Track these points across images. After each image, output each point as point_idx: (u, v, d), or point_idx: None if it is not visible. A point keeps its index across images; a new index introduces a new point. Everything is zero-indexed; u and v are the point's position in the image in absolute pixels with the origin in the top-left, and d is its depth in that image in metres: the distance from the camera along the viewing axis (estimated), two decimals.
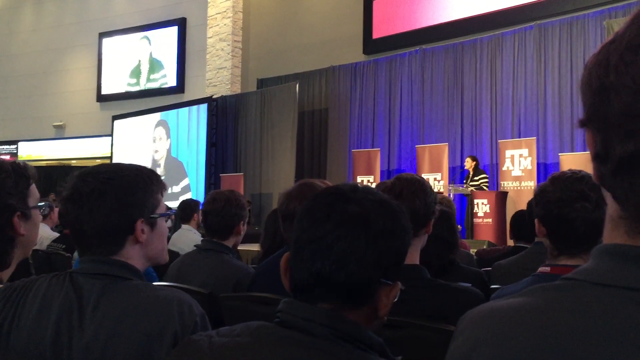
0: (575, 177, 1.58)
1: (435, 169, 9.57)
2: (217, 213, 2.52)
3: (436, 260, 2.53)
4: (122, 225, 1.27)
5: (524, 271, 1.90)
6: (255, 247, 7.91)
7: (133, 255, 1.30)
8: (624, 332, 0.52)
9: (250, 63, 13.66)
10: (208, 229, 2.58)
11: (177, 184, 13.28)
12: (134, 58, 15.75)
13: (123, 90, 15.92)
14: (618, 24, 7.82)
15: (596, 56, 0.58)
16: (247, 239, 9.05)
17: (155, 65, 15.38)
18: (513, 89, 9.62)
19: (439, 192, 8.38)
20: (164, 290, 1.26)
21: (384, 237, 0.92)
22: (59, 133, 16.90)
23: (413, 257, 1.77)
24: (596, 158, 0.58)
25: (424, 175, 9.61)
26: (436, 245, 2.63)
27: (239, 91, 13.34)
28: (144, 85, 15.60)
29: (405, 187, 1.78)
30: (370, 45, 11.77)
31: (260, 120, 12.35)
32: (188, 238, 4.44)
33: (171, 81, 14.95)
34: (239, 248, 5.64)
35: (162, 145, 13.96)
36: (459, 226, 3.33)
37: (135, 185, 1.29)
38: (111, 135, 15.29)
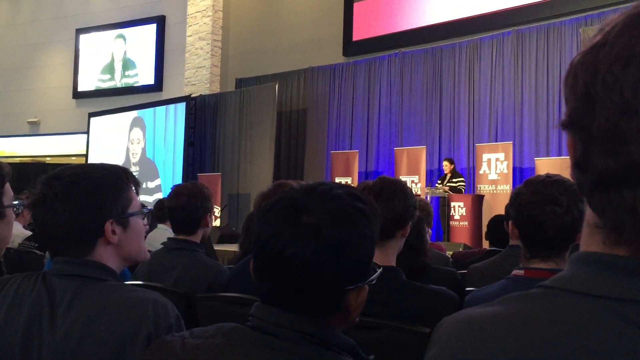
0: (548, 180, 1.60)
1: (413, 171, 9.63)
2: (182, 208, 2.44)
3: (403, 265, 2.55)
4: (89, 227, 1.26)
5: (499, 274, 1.92)
6: (232, 247, 7.88)
7: (106, 256, 1.28)
8: (602, 342, 0.52)
9: (229, 62, 13.60)
10: (175, 225, 2.51)
11: (151, 181, 13.21)
12: (109, 55, 15.58)
13: (100, 87, 15.73)
14: (593, 31, 7.94)
15: (584, 56, 0.55)
16: (225, 239, 9.04)
17: (128, 64, 15.22)
18: (491, 93, 9.72)
19: (416, 195, 8.44)
20: (139, 291, 1.25)
21: (341, 248, 0.90)
22: (34, 129, 16.63)
23: (389, 258, 1.78)
24: (576, 166, 0.56)
25: (402, 178, 9.67)
26: (402, 251, 2.64)
27: (217, 90, 13.27)
28: (118, 82, 15.43)
29: (386, 187, 1.80)
30: (350, 47, 11.80)
31: (238, 120, 12.30)
32: (164, 237, 4.39)
33: (148, 79, 14.80)
34: (216, 249, 5.62)
35: (139, 147, 13.83)
36: (429, 230, 3.35)
37: (101, 186, 1.27)
38: (87, 132, 15.09)
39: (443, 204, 8.65)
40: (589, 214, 0.59)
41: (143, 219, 1.38)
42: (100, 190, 1.26)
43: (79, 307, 1.18)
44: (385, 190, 1.78)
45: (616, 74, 0.51)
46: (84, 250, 1.26)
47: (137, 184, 1.37)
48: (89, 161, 14.90)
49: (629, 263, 0.54)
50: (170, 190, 2.62)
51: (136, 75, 15.07)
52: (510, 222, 1.68)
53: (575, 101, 0.55)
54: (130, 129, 14.06)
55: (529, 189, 1.61)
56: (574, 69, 0.56)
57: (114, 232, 1.28)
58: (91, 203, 1.25)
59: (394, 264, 1.80)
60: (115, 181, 1.30)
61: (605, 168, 0.53)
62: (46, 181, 1.26)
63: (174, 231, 2.54)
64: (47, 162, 16.82)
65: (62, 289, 1.21)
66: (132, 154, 13.96)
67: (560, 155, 8.61)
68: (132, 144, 14.01)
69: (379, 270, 0.97)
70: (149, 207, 1.44)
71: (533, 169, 8.56)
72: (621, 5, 8.28)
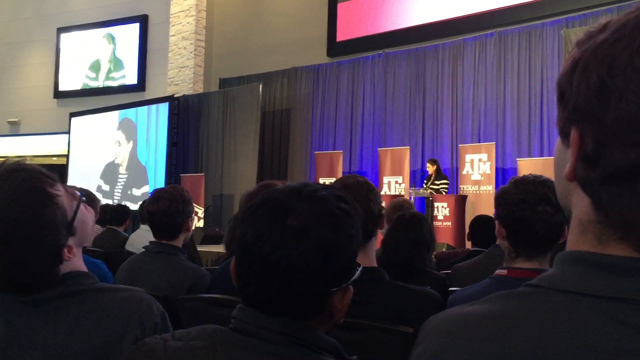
0: (538, 180, 1.61)
1: (397, 172, 9.66)
2: (163, 213, 2.39)
3: (420, 262, 2.59)
4: (44, 267, 1.15)
5: (483, 273, 1.92)
6: (215, 248, 7.84)
7: (71, 262, 1.22)
8: (588, 340, 0.51)
9: (213, 62, 13.54)
10: (156, 230, 2.46)
11: (138, 188, 13.08)
12: (94, 55, 15.42)
13: (81, 87, 15.57)
14: (575, 33, 8.04)
15: (594, 52, 0.55)
16: (208, 240, 8.99)
17: (117, 64, 15.08)
18: (473, 94, 9.78)
19: (400, 195, 8.48)
20: (123, 291, 1.23)
21: (328, 250, 0.89)
22: (14, 129, 16.42)
23: (370, 259, 1.77)
24: (584, 159, 0.56)
25: (385, 179, 9.70)
26: (419, 249, 2.67)
27: (201, 90, 13.20)
28: (102, 82, 15.28)
29: (357, 193, 1.76)
30: (334, 47, 11.81)
31: (222, 121, 12.25)
32: (147, 239, 4.35)
33: (132, 79, 14.69)
34: (199, 250, 5.59)
35: (122, 150, 13.68)
36: None
37: (44, 222, 1.12)
38: (68, 132, 14.94)
39: (427, 205, 8.69)
40: (581, 211, 0.59)
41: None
42: (44, 227, 1.13)
43: (62, 309, 1.15)
44: (359, 197, 1.75)
45: (637, 66, 0.52)
46: (48, 280, 1.17)
47: (56, 178, 1.23)
48: (71, 161, 14.73)
49: (618, 262, 0.54)
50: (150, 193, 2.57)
51: (123, 77, 14.93)
52: (497, 222, 1.69)
53: (588, 94, 0.55)
54: (118, 133, 13.90)
55: (519, 189, 1.61)
56: (584, 63, 0.56)
57: (69, 248, 1.20)
58: (39, 245, 1.13)
59: (375, 264, 1.80)
60: (48, 209, 1.14)
61: (624, 161, 0.52)
62: None
63: (154, 236, 2.50)
64: (27, 162, 16.58)
65: (40, 295, 1.17)
66: (117, 156, 13.81)
67: (542, 156, 8.69)
68: (117, 146, 13.85)
69: (359, 268, 0.96)
70: (81, 192, 1.32)
71: (515, 169, 8.63)
72: (601, 8, 8.39)
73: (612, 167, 0.53)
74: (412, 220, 2.80)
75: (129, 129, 13.60)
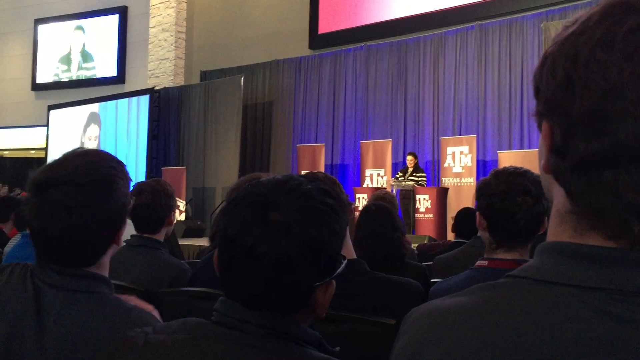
0: (518, 172, 1.63)
1: (379, 164, 9.68)
2: (146, 207, 2.35)
3: (402, 248, 2.62)
4: (108, 237, 1.18)
5: (464, 264, 1.94)
6: (197, 241, 7.81)
7: (105, 260, 1.21)
8: (568, 330, 0.52)
9: (194, 55, 13.43)
10: (137, 224, 2.42)
11: None
12: (66, 47, 15.22)
13: (59, 79, 15.36)
14: (555, 26, 8.11)
15: (561, 45, 0.56)
16: (190, 234, 8.92)
17: (86, 57, 14.89)
18: (455, 87, 9.83)
19: (381, 188, 8.50)
20: (137, 311, 1.19)
21: (312, 246, 0.88)
22: None
23: (348, 250, 1.78)
24: (554, 151, 0.57)
25: (367, 171, 9.73)
26: (398, 236, 2.70)
27: (182, 83, 13.09)
28: (75, 74, 15.08)
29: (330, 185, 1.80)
30: (316, 40, 11.78)
31: (203, 113, 12.18)
32: (127, 233, 4.31)
33: (110, 72, 14.51)
34: (181, 244, 5.57)
35: (95, 144, 13.58)
36: None
37: (116, 192, 1.17)
38: (47, 125, 14.74)
39: (405, 197, 8.66)
40: (559, 202, 0.59)
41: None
42: (116, 195, 1.17)
43: (69, 321, 1.11)
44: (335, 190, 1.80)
45: (599, 58, 0.53)
46: (92, 260, 1.18)
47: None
48: (50, 155, 14.53)
49: (595, 251, 0.54)
50: (132, 187, 2.54)
51: (94, 68, 14.77)
52: (478, 213, 1.70)
53: (555, 87, 0.56)
54: (87, 125, 13.78)
55: (499, 180, 1.63)
56: (552, 57, 0.57)
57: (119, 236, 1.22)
58: (110, 213, 1.17)
59: (354, 255, 1.81)
60: (124, 180, 1.20)
61: (588, 150, 0.53)
62: (57, 184, 1.13)
63: (136, 230, 2.46)
64: (5, 155, 16.38)
65: (51, 298, 1.13)
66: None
67: (522, 148, 8.78)
68: (89, 140, 13.73)
69: (344, 262, 0.96)
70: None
71: (496, 162, 8.70)
72: (581, 1, 8.46)
73: (578, 157, 0.54)
74: (381, 210, 2.76)
75: (98, 123, 13.50)
